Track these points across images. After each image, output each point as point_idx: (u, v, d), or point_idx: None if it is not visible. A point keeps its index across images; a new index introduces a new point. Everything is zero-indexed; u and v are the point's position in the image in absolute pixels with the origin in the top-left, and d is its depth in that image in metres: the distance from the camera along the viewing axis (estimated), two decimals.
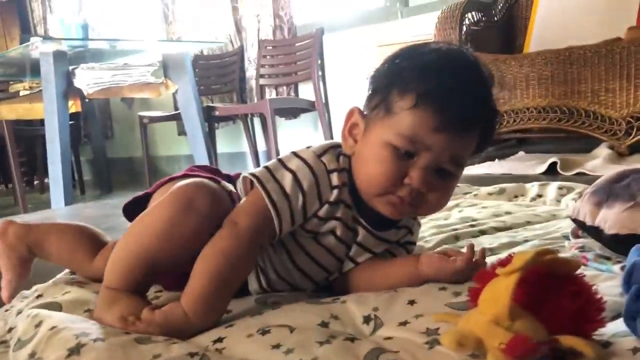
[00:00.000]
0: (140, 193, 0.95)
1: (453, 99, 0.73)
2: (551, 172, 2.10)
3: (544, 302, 0.57)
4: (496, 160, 2.52)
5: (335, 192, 0.80)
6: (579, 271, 0.61)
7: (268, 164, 0.82)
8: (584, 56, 2.41)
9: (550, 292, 0.58)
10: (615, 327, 0.62)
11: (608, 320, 0.64)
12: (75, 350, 0.66)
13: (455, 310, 0.70)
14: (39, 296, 0.93)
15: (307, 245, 0.83)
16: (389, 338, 0.67)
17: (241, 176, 0.86)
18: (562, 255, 0.78)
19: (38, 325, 0.75)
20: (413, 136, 0.73)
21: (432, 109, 0.72)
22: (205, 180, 0.83)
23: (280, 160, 0.81)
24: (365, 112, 0.81)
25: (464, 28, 2.80)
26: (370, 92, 0.81)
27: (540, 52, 2.54)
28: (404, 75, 0.75)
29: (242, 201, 0.82)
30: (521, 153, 2.63)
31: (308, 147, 0.84)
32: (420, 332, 0.66)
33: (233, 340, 0.69)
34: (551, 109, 2.50)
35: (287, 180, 0.79)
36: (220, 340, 0.69)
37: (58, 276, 1.04)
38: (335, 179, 0.80)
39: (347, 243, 0.84)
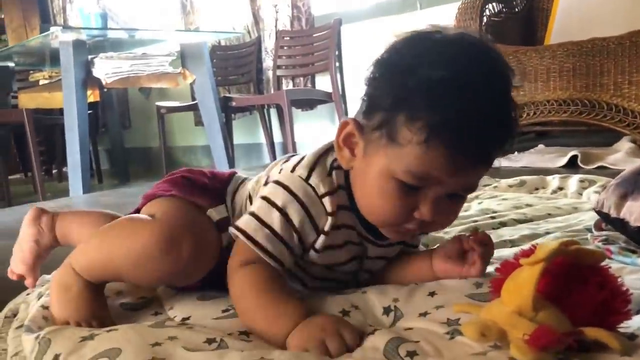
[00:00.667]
0: (131, 210, 0.91)
1: (471, 130, 0.63)
2: (571, 166, 2.08)
3: (568, 293, 0.56)
4: (515, 152, 2.49)
5: (330, 219, 0.73)
6: (604, 263, 0.60)
7: (254, 208, 0.75)
8: (606, 48, 2.37)
9: (575, 283, 0.57)
10: None
11: (634, 313, 0.63)
12: (89, 337, 0.66)
13: (476, 301, 0.69)
14: None
15: (316, 272, 0.80)
16: (409, 329, 0.66)
17: (229, 229, 0.77)
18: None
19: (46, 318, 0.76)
20: (424, 175, 0.65)
21: (446, 146, 0.63)
22: (197, 220, 0.79)
23: (265, 199, 0.74)
24: (362, 125, 0.71)
25: (484, 19, 2.77)
26: (367, 102, 0.71)
27: (562, 43, 2.50)
28: (412, 99, 0.64)
29: (234, 252, 0.75)
30: (541, 146, 2.60)
31: (293, 169, 0.75)
32: (441, 323, 0.66)
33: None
34: (572, 101, 2.46)
35: (276, 221, 0.72)
36: (246, 333, 0.69)
37: None
38: (328, 204, 0.73)
39: (358, 259, 0.80)
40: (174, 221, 0.76)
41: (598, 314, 0.55)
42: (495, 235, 1.07)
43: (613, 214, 0.88)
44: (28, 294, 0.94)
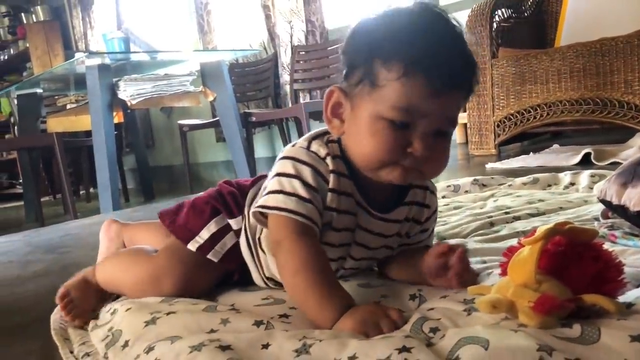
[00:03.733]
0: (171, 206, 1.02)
1: (441, 61, 0.71)
2: (586, 163, 2.13)
3: (566, 267, 0.63)
4: (531, 153, 2.55)
5: (332, 176, 0.80)
6: (607, 246, 0.67)
7: (270, 186, 0.81)
8: (615, 47, 2.43)
9: (572, 258, 0.64)
10: (639, 292, 0.68)
11: (632, 287, 0.70)
12: (151, 321, 0.75)
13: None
14: None
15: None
16: (432, 309, 0.74)
17: (251, 212, 0.86)
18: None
19: (113, 312, 0.86)
20: (408, 106, 0.72)
21: (423, 76, 0.71)
22: (183, 258, 0.90)
23: (279, 174, 0.80)
24: (345, 90, 0.79)
25: (494, 25, 2.84)
26: (347, 68, 0.79)
27: (571, 45, 2.57)
28: (383, 45, 0.73)
29: (271, 231, 0.82)
30: (556, 146, 2.65)
31: (294, 145, 0.84)
32: (459, 302, 0.73)
33: (297, 316, 0.77)
34: (584, 101, 2.52)
35: (297, 186, 0.78)
36: (286, 316, 0.78)
37: None
38: (330, 163, 0.80)
39: (350, 229, 0.84)
40: (159, 261, 0.92)
41: (594, 284, 0.62)
42: (508, 228, 1.14)
43: (615, 201, 0.94)
44: None
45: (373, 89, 0.74)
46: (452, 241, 1.10)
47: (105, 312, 0.89)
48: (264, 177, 0.96)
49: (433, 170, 0.80)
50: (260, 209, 0.81)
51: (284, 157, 0.82)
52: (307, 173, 0.79)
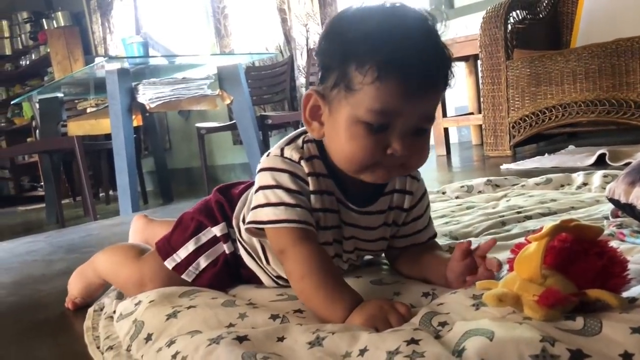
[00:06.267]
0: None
1: (414, 61, 0.71)
2: (601, 164, 2.12)
3: (571, 263, 0.65)
4: (546, 154, 2.55)
5: (310, 179, 0.82)
6: (614, 244, 0.69)
7: (256, 200, 0.82)
8: (631, 48, 2.43)
9: (577, 254, 0.66)
10: None
11: (637, 283, 0.72)
12: (173, 315, 0.79)
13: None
14: None
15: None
16: (441, 304, 0.76)
17: (244, 229, 0.88)
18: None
19: (137, 304, 0.89)
20: (384, 109, 0.72)
21: (396, 78, 0.71)
22: (164, 271, 0.96)
23: (261, 188, 0.82)
24: (322, 93, 0.79)
25: (509, 27, 2.85)
26: (322, 70, 0.79)
27: (587, 46, 2.57)
28: (356, 48, 0.73)
29: (272, 243, 0.84)
30: (571, 147, 2.65)
31: (268, 155, 0.85)
32: (468, 297, 0.75)
33: (310, 311, 0.80)
34: (599, 102, 2.52)
35: (282, 195, 0.80)
36: (300, 311, 0.81)
37: None
38: (305, 167, 0.82)
39: (336, 226, 0.86)
40: (145, 268, 0.99)
41: (599, 280, 0.64)
42: (520, 227, 1.16)
43: (623, 200, 0.96)
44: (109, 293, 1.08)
45: (349, 93, 0.74)
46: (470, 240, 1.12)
47: (129, 302, 0.92)
48: (252, 184, 0.97)
49: (414, 165, 0.81)
50: (255, 225, 0.82)
51: (262, 170, 0.83)
52: (286, 180, 0.81)
